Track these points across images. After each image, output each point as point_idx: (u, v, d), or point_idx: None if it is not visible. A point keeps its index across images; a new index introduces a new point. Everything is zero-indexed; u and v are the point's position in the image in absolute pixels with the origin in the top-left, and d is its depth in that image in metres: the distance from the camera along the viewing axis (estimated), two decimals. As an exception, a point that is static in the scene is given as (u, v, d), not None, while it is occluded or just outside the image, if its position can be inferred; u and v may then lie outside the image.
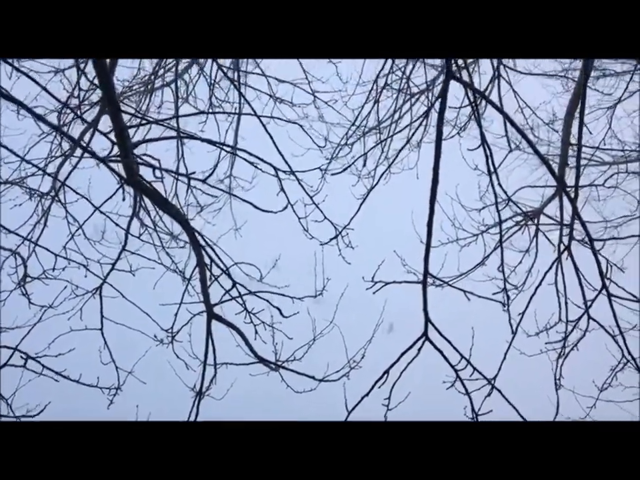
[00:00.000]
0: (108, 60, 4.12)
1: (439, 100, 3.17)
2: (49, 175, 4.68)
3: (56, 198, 4.91)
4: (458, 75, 3.23)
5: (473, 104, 3.27)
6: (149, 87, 6.30)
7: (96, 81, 4.21)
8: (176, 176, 4.04)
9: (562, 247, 4.81)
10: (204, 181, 3.98)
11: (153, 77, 6.23)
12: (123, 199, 3.98)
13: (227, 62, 6.77)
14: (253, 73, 6.46)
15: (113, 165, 4.24)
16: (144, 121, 4.00)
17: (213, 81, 6.29)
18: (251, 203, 3.96)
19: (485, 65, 6.95)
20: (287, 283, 5.75)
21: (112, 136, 4.24)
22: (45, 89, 3.75)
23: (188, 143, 6.37)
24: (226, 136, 6.25)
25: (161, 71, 6.28)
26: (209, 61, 5.85)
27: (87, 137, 5.17)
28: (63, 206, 5.50)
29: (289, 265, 6.71)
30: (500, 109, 3.30)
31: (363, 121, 6.37)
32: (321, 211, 4.92)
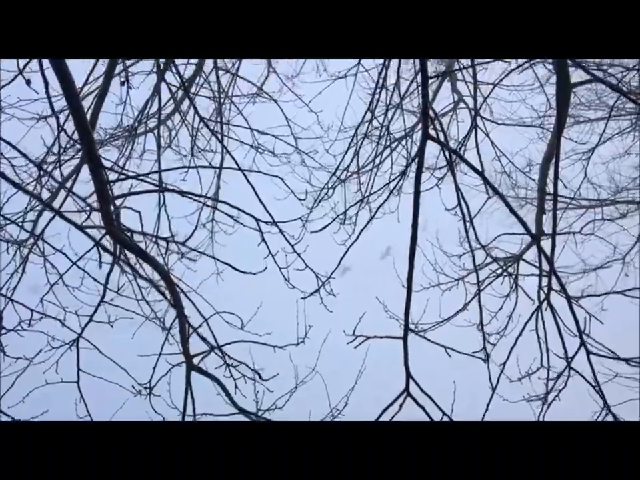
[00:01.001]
0: (89, 114, 4.14)
1: (416, 159, 3.22)
2: (25, 230, 4.64)
3: (33, 249, 4.86)
4: (435, 135, 3.30)
5: (449, 164, 3.34)
6: (132, 133, 6.33)
7: (75, 133, 4.21)
8: (154, 239, 4.02)
9: (542, 295, 4.86)
10: (183, 244, 3.98)
11: (135, 124, 6.28)
12: (100, 267, 3.95)
13: (209, 109, 6.87)
14: (236, 125, 6.54)
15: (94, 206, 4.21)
16: (126, 176, 3.99)
17: (195, 130, 6.36)
18: (229, 265, 3.96)
19: (463, 113, 7.14)
20: (269, 330, 5.70)
21: (89, 190, 4.24)
22: (20, 151, 3.74)
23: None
24: (209, 189, 6.29)
25: (144, 118, 6.33)
26: (191, 109, 5.92)
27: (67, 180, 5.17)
28: (41, 254, 5.45)
29: (271, 312, 6.67)
30: (475, 168, 3.37)
31: (345, 168, 6.46)
32: (303, 260, 4.93)
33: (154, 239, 4.06)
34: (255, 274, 4.07)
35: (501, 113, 7.55)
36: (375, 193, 4.12)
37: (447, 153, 3.40)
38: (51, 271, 5.69)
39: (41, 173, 4.70)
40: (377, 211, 4.04)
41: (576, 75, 5.43)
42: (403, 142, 6.77)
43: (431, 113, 3.26)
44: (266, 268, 4.14)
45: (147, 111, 6.30)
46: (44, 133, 6.58)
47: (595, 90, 7.99)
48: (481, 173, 3.39)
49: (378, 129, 6.32)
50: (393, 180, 3.98)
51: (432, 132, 3.28)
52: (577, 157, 7.75)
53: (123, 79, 5.12)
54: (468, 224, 3.67)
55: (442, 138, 3.47)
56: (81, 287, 6.00)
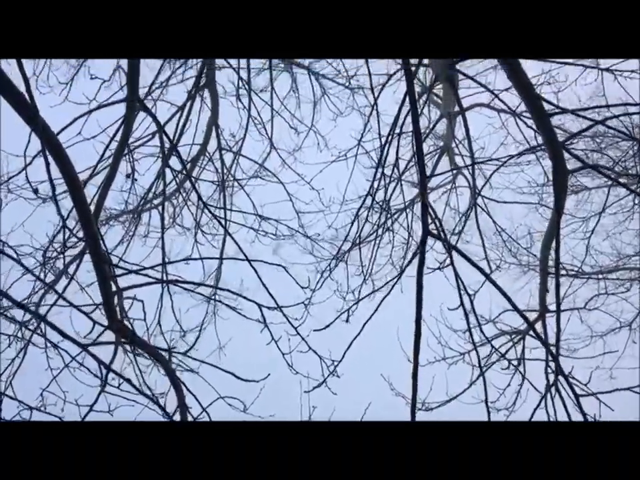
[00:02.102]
0: (92, 207, 4.20)
1: (417, 255, 3.24)
2: (15, 340, 4.67)
3: (32, 339, 4.87)
4: (434, 231, 3.33)
5: (449, 256, 3.36)
6: (136, 215, 6.43)
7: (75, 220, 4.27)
8: (156, 350, 4.03)
9: (550, 377, 4.79)
10: (185, 354, 3.99)
11: (139, 207, 6.38)
12: (103, 388, 3.94)
13: (210, 188, 7.00)
14: (238, 211, 6.66)
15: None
16: (129, 271, 4.04)
17: (198, 209, 6.45)
18: (232, 374, 3.94)
19: (462, 185, 7.25)
20: (272, 412, 5.59)
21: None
22: (23, 264, 3.79)
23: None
24: (211, 274, 6.33)
25: (148, 200, 6.44)
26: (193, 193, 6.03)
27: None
28: (42, 336, 5.44)
29: (274, 391, 6.57)
30: (473, 263, 3.39)
31: (352, 242, 6.54)
32: (307, 344, 4.92)
33: (155, 351, 4.05)
34: (257, 381, 4.03)
35: (498, 182, 7.67)
36: (378, 289, 4.12)
37: (446, 246, 3.42)
38: (52, 353, 5.67)
39: (44, 259, 4.73)
40: (380, 303, 4.06)
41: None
42: (402, 216, 6.87)
43: (430, 210, 3.31)
44: (269, 375, 4.11)
45: (151, 192, 6.42)
46: (50, 212, 6.69)
47: (592, 159, 8.11)
48: (479, 268, 3.42)
49: (379, 204, 6.41)
50: (392, 280, 4.01)
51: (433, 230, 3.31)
52: (577, 226, 7.79)
53: (128, 172, 5.26)
54: (470, 314, 3.65)
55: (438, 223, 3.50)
56: (82, 368, 5.96)
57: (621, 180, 5.59)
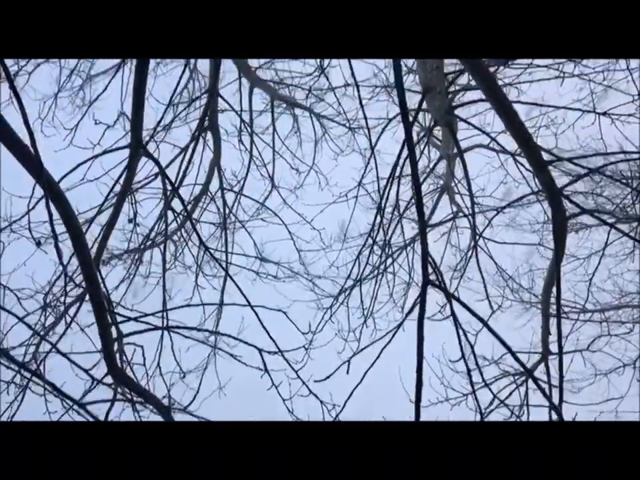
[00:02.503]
0: (93, 252, 4.21)
1: (418, 305, 3.23)
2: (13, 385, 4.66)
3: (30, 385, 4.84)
4: (437, 282, 3.33)
5: (451, 311, 3.36)
6: (138, 252, 6.46)
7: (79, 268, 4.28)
8: (157, 406, 4.01)
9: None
10: (185, 409, 3.97)
11: (143, 242, 6.42)
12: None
13: (212, 226, 7.04)
14: (239, 254, 6.70)
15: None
16: (129, 318, 4.04)
17: (200, 249, 6.48)
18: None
19: (462, 226, 7.29)
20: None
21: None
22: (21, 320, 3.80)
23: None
24: (211, 315, 6.32)
25: (150, 239, 6.48)
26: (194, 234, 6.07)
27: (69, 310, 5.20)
28: (39, 385, 5.40)
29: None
30: (475, 314, 3.39)
31: (355, 280, 6.55)
32: (308, 388, 4.87)
33: (156, 407, 4.03)
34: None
35: (499, 220, 7.70)
36: (379, 337, 4.13)
37: (447, 295, 3.42)
38: (51, 397, 5.62)
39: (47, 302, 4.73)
40: (381, 352, 4.04)
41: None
42: (403, 254, 6.90)
43: (430, 259, 3.31)
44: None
45: (153, 232, 6.47)
46: (52, 251, 6.72)
47: (591, 195, 8.15)
48: (479, 317, 3.42)
49: (379, 245, 6.44)
50: (390, 331, 4.02)
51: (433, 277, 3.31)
52: (578, 263, 7.79)
53: (130, 218, 5.31)
54: (472, 363, 3.63)
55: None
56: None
57: (621, 220, 5.59)
